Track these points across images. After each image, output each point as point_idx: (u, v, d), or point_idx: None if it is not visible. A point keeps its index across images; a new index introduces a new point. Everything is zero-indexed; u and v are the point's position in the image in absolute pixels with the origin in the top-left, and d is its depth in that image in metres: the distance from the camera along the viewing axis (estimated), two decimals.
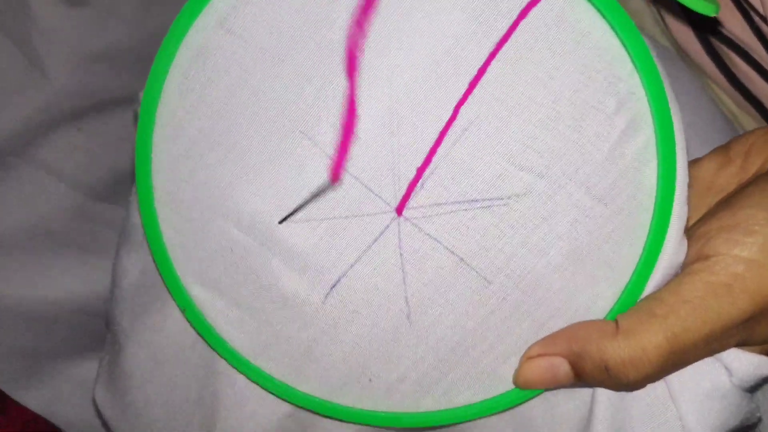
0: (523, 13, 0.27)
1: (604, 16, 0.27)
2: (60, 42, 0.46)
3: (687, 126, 0.40)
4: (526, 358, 0.28)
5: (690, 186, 0.28)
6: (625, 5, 0.47)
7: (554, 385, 0.28)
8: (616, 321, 0.27)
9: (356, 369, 0.30)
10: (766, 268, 0.25)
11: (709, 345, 0.26)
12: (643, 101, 0.27)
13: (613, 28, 0.27)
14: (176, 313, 0.31)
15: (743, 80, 0.44)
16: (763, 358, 0.27)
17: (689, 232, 0.28)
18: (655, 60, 0.27)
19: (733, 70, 0.44)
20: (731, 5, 0.41)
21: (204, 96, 0.29)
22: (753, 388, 0.28)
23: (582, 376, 0.27)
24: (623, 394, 0.28)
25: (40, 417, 0.46)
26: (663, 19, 0.46)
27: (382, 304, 0.29)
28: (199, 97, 0.29)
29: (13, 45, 0.45)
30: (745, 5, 0.40)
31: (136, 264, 0.32)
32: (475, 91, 0.27)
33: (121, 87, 0.47)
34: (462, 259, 0.28)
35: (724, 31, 0.43)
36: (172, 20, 0.49)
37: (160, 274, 0.30)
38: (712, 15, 0.28)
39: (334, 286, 0.29)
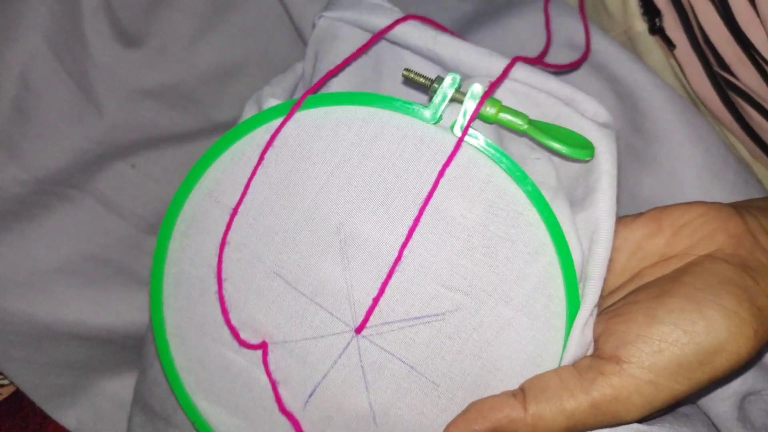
0: (441, 173, 0.34)
1: (501, 167, 0.34)
2: (114, 79, 0.48)
3: (701, 167, 0.42)
4: None
5: (618, 245, 0.34)
6: (645, 59, 0.49)
7: None
8: (523, 394, 0.31)
9: None
10: (660, 387, 0.29)
11: (603, 427, 0.31)
12: (542, 229, 0.33)
13: (507, 172, 0.34)
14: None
15: (757, 131, 0.46)
16: (642, 426, 0.32)
17: (609, 319, 0.32)
18: (546, 195, 0.33)
19: (748, 121, 0.46)
20: (747, 61, 0.43)
21: (199, 251, 0.36)
22: None
23: None
24: None
25: None
26: (683, 72, 0.48)
27: (351, 410, 0.34)
28: (196, 251, 0.36)
29: (71, 81, 0.47)
30: (760, 60, 0.42)
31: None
32: (406, 230, 0.34)
33: (170, 124, 0.49)
34: (412, 368, 0.34)
35: (740, 85, 0.45)
36: (219, 60, 0.52)
37: (174, 394, 0.37)
38: (587, 160, 0.33)
39: (311, 395, 0.35)
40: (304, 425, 0.35)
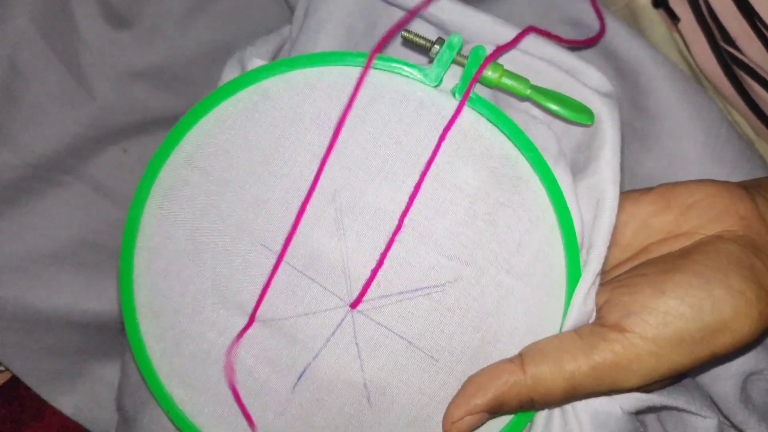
0: (442, 138, 0.32)
1: (503, 132, 0.33)
2: (105, 61, 0.47)
3: (703, 146, 0.42)
4: (451, 423, 0.31)
5: (624, 220, 0.33)
6: (648, 33, 0.48)
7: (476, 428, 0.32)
8: (521, 358, 0.31)
9: None
10: (662, 358, 0.30)
11: (602, 393, 0.32)
12: (543, 196, 0.33)
13: (509, 138, 0.33)
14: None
15: (762, 106, 0.45)
16: (642, 395, 0.32)
17: (615, 289, 0.32)
18: (547, 161, 0.32)
19: (753, 96, 0.45)
20: (752, 34, 0.42)
21: (177, 222, 0.33)
22: (639, 413, 0.34)
23: (500, 413, 0.32)
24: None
25: (73, 423, 0.47)
26: (687, 47, 0.47)
27: (343, 391, 0.33)
28: (173, 223, 0.33)
29: (60, 63, 0.46)
30: (765, 32, 0.41)
31: None
32: (405, 198, 0.32)
33: (163, 106, 0.49)
34: (410, 343, 0.33)
35: (745, 59, 0.44)
36: (211, 39, 0.51)
37: (144, 382, 0.34)
38: (588, 124, 0.33)
39: (300, 377, 0.33)
40: (291, 410, 0.33)
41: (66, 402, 0.46)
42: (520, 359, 0.31)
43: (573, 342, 0.31)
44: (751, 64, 0.44)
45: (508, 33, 0.34)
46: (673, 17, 0.46)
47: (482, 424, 0.32)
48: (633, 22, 0.48)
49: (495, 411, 0.31)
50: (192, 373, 0.34)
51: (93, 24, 0.47)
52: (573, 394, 0.31)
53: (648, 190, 0.34)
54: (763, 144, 0.48)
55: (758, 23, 0.41)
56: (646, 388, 0.32)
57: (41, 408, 0.47)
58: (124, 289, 0.34)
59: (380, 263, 0.32)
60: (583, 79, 0.34)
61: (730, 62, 0.45)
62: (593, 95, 0.33)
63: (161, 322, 0.34)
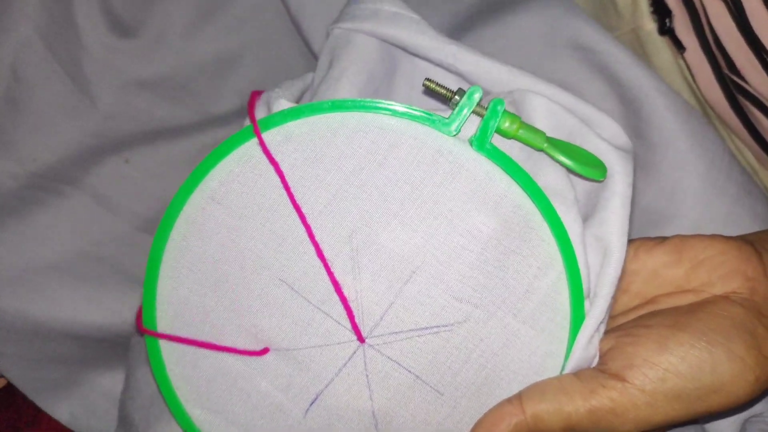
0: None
1: (517, 182, 0.34)
2: (108, 70, 0.47)
3: (704, 178, 0.42)
4: None
5: (635, 269, 0.35)
6: (653, 59, 0.48)
7: None
8: (520, 398, 0.33)
9: None
10: (657, 410, 0.31)
11: None
12: (553, 245, 0.34)
13: (523, 188, 0.34)
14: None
15: (765, 135, 0.45)
16: None
17: (620, 336, 0.33)
18: (561, 212, 0.34)
19: (756, 126, 0.45)
20: (758, 65, 0.42)
21: (199, 254, 0.35)
22: None
23: None
24: None
25: (69, 431, 0.47)
26: (692, 75, 0.47)
27: (353, 418, 0.35)
28: (196, 254, 0.35)
29: (64, 73, 0.46)
30: None
31: (153, 380, 0.37)
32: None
33: (166, 116, 0.48)
34: (418, 377, 0.34)
35: (750, 89, 0.44)
36: (216, 50, 0.51)
37: (165, 402, 0.36)
38: (599, 180, 0.34)
39: (313, 403, 0.35)
40: None
41: (62, 410, 0.46)
42: (519, 399, 0.32)
43: (573, 385, 0.32)
44: (756, 94, 0.44)
45: (524, 81, 0.36)
46: (679, 46, 0.46)
47: None
48: (638, 47, 0.48)
49: None
50: (209, 394, 0.35)
51: (97, 33, 0.47)
52: None
53: (662, 240, 0.35)
54: (766, 173, 0.48)
55: (765, 56, 0.41)
56: None
57: (37, 415, 0.47)
58: (147, 314, 0.36)
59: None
60: (599, 129, 0.35)
61: (735, 91, 0.45)
62: (607, 147, 0.35)
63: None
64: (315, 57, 0.48)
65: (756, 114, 0.44)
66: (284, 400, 0.35)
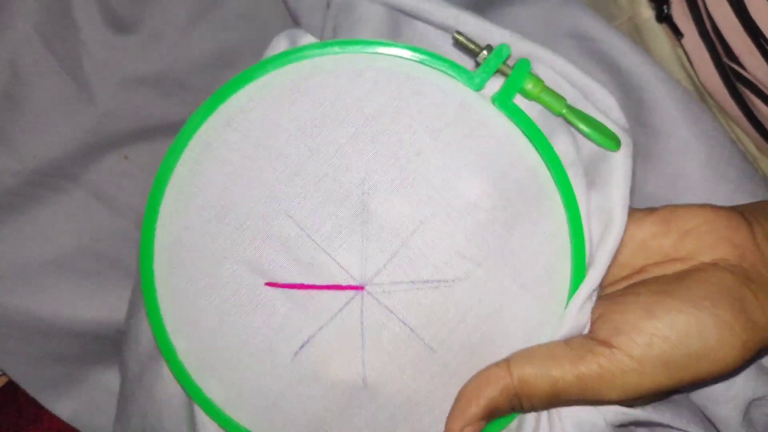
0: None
1: (535, 146, 0.34)
2: (107, 66, 0.47)
3: (706, 165, 0.42)
4: None
5: (625, 239, 0.34)
6: (651, 47, 0.48)
7: None
8: (507, 362, 0.32)
9: (316, 424, 0.34)
10: (644, 377, 0.31)
11: (585, 402, 0.33)
12: (561, 214, 0.34)
13: (540, 154, 0.34)
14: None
15: (765, 123, 0.45)
16: (625, 409, 0.33)
17: (608, 303, 0.33)
18: (572, 181, 0.34)
19: (755, 113, 0.45)
20: (756, 52, 0.42)
21: (209, 178, 0.34)
22: (624, 426, 0.36)
23: (495, 417, 0.33)
24: None
25: (71, 428, 0.47)
26: (690, 63, 0.47)
27: (342, 366, 0.34)
28: (205, 178, 0.34)
29: (62, 68, 0.46)
30: None
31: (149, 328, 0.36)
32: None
33: (165, 112, 0.48)
34: (412, 330, 0.33)
35: (748, 76, 0.44)
36: (214, 46, 0.50)
37: (152, 329, 0.35)
38: (614, 150, 0.34)
39: (303, 346, 0.34)
40: (288, 377, 0.34)
41: (64, 408, 0.46)
42: (507, 363, 0.32)
43: (562, 350, 0.32)
44: (755, 81, 0.43)
45: (525, 47, 0.36)
46: (677, 33, 0.46)
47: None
48: (637, 36, 0.48)
49: (490, 417, 0.32)
50: (199, 327, 0.34)
51: (95, 29, 0.47)
52: (556, 399, 0.32)
53: (651, 211, 0.35)
54: (766, 160, 0.48)
55: (763, 42, 0.41)
56: (629, 402, 0.33)
57: (39, 413, 0.47)
58: (145, 238, 0.34)
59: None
60: (596, 102, 0.35)
61: (734, 78, 0.45)
62: (605, 119, 0.35)
63: (177, 272, 0.34)
64: None
65: (755, 101, 0.44)
66: (275, 340, 0.34)
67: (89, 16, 0.46)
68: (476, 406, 0.32)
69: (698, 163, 0.42)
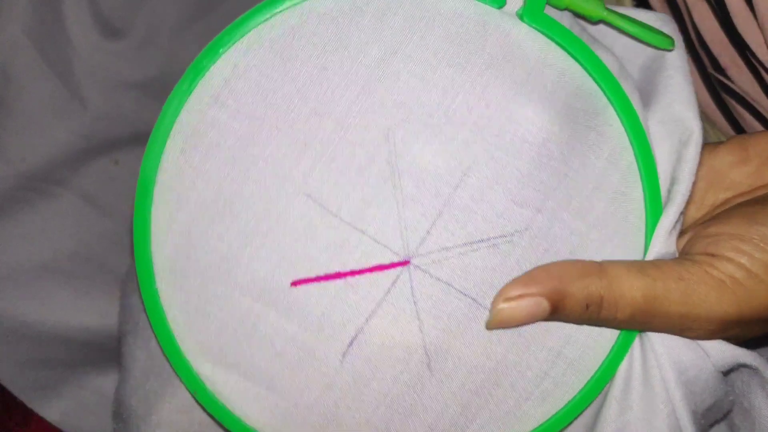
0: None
1: (574, 57, 0.29)
2: (97, 71, 0.47)
3: None
4: (505, 299, 0.27)
5: (699, 174, 0.29)
6: None
7: (529, 322, 0.28)
8: (600, 263, 0.27)
9: (381, 429, 0.29)
10: (763, 285, 0.26)
11: (682, 324, 0.27)
12: (620, 129, 0.29)
13: (583, 66, 0.29)
14: (189, 397, 0.30)
15: (748, 131, 0.46)
16: (737, 348, 0.29)
17: (697, 227, 0.29)
18: (625, 89, 0.29)
19: (741, 123, 0.45)
20: (742, 64, 0.43)
21: (203, 169, 0.29)
22: (727, 373, 0.30)
23: (559, 313, 0.27)
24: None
25: (59, 430, 0.47)
26: None
27: (401, 357, 0.28)
28: (198, 171, 0.29)
29: (53, 73, 0.46)
30: (755, 63, 0.42)
31: (142, 349, 0.32)
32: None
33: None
34: (474, 300, 0.28)
35: (734, 87, 0.44)
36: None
37: (166, 357, 0.29)
38: (670, 48, 0.30)
39: (351, 343, 0.28)
40: (340, 382, 0.29)
41: (52, 410, 0.46)
42: (598, 262, 0.27)
43: (659, 264, 0.27)
44: (740, 92, 0.44)
45: None
46: None
47: (536, 320, 0.27)
48: None
49: (556, 302, 0.27)
50: (223, 347, 0.29)
51: (86, 34, 0.47)
52: (649, 309, 0.27)
53: (718, 143, 0.32)
54: None
55: (749, 55, 0.42)
56: (736, 332, 0.28)
57: (27, 415, 0.47)
58: (140, 252, 0.29)
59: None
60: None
61: (720, 90, 0.45)
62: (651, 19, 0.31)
63: (185, 287, 0.29)
64: None
65: (741, 112, 0.44)
66: (317, 344, 0.28)
67: (80, 20, 0.46)
68: (548, 282, 0.27)
69: None
